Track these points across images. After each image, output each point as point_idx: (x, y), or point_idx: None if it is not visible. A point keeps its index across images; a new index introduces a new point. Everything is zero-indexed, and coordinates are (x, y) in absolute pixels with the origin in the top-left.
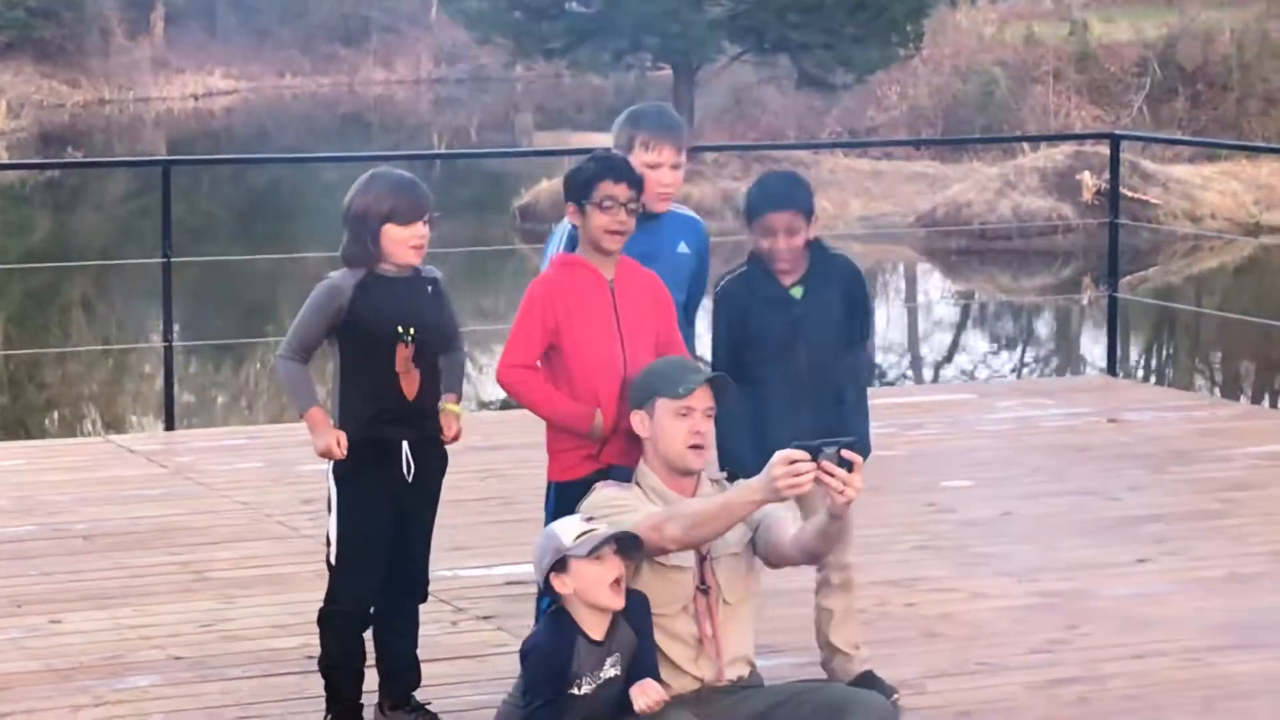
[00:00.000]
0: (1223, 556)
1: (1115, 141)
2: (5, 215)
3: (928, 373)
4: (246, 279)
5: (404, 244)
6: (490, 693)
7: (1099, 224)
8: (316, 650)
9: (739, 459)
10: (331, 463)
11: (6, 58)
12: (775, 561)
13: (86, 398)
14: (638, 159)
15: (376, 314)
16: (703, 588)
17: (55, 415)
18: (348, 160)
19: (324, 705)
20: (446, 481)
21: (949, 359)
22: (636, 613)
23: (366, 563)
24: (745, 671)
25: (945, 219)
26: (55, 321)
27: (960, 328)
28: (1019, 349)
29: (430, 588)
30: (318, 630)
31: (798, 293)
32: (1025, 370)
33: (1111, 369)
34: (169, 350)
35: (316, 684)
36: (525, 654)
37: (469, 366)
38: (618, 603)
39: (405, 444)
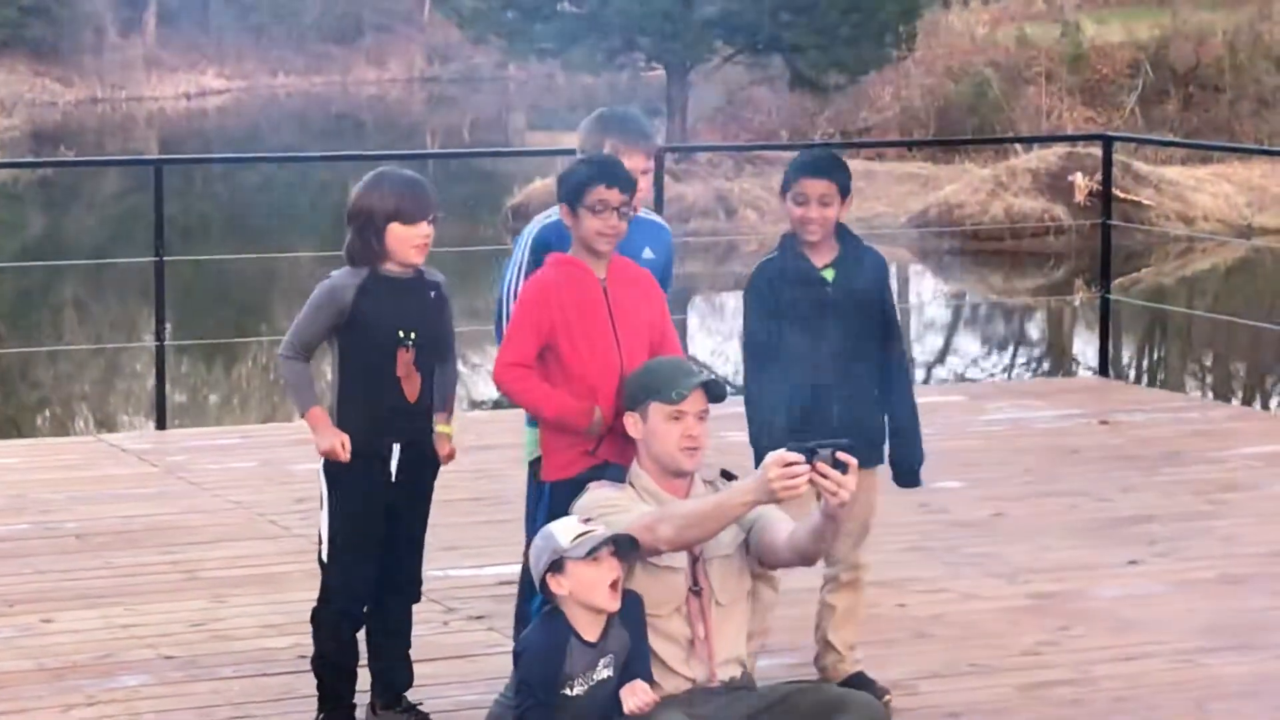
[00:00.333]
0: (1214, 558)
1: (1107, 143)
2: None
3: (920, 374)
4: (238, 278)
5: (408, 243)
6: (482, 693)
7: (1091, 225)
8: (308, 650)
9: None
10: (323, 462)
11: None
12: (769, 563)
13: (78, 397)
14: None
15: (378, 316)
16: (695, 589)
17: (47, 414)
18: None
19: (315, 705)
20: (438, 481)
21: (941, 360)
22: (630, 613)
23: (359, 561)
24: (737, 672)
25: (938, 220)
26: (47, 320)
27: (952, 329)
28: (1011, 350)
29: (422, 588)
30: (311, 629)
31: (829, 275)
32: (1017, 371)
33: (1103, 370)
34: (161, 349)
35: (308, 684)
36: (518, 654)
37: (460, 365)
38: (614, 604)
39: (396, 446)
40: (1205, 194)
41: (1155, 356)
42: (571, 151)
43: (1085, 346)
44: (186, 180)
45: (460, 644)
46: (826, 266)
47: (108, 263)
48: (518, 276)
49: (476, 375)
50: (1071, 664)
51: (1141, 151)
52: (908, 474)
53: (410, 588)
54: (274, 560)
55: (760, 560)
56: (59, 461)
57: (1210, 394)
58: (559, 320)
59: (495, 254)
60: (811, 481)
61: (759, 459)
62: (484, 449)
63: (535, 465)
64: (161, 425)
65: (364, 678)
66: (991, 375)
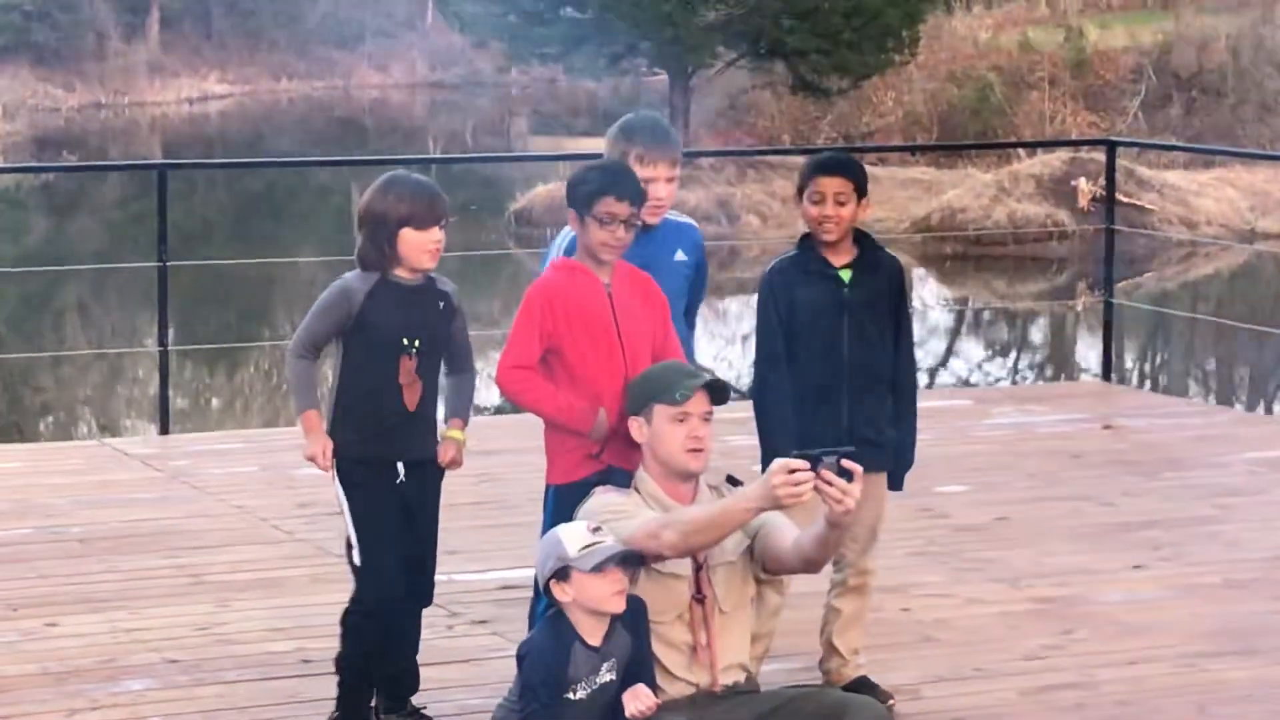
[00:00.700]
0: (1217, 562)
1: (1111, 147)
2: (0, 219)
3: (923, 378)
4: (242, 283)
5: (420, 248)
6: (485, 697)
7: (1094, 230)
8: (312, 654)
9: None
10: (335, 468)
11: (2, 61)
12: (773, 569)
13: (82, 401)
14: None
15: (384, 321)
16: (698, 596)
17: (51, 419)
18: (343, 164)
19: (318, 709)
20: (442, 485)
21: (944, 365)
22: (633, 618)
23: (388, 560)
24: (741, 678)
25: (941, 225)
26: (51, 325)
27: (955, 334)
28: (1014, 355)
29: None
30: (340, 630)
31: (846, 276)
32: (1020, 376)
33: (1107, 375)
34: (164, 354)
35: (312, 688)
36: (521, 658)
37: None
38: (619, 606)
39: (400, 465)
40: (1208, 198)
41: (1158, 361)
42: (574, 156)
43: (1088, 351)
44: (189, 185)
45: (464, 648)
46: (844, 267)
47: (111, 268)
48: None
49: (480, 380)
50: (1075, 668)
51: (1144, 156)
52: (892, 479)
53: (423, 591)
54: (277, 564)
55: (764, 567)
56: (62, 466)
57: (1213, 399)
58: (563, 325)
59: (498, 259)
60: (816, 489)
61: (767, 457)
62: (487, 454)
63: None
64: (165, 430)
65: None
66: (995, 380)
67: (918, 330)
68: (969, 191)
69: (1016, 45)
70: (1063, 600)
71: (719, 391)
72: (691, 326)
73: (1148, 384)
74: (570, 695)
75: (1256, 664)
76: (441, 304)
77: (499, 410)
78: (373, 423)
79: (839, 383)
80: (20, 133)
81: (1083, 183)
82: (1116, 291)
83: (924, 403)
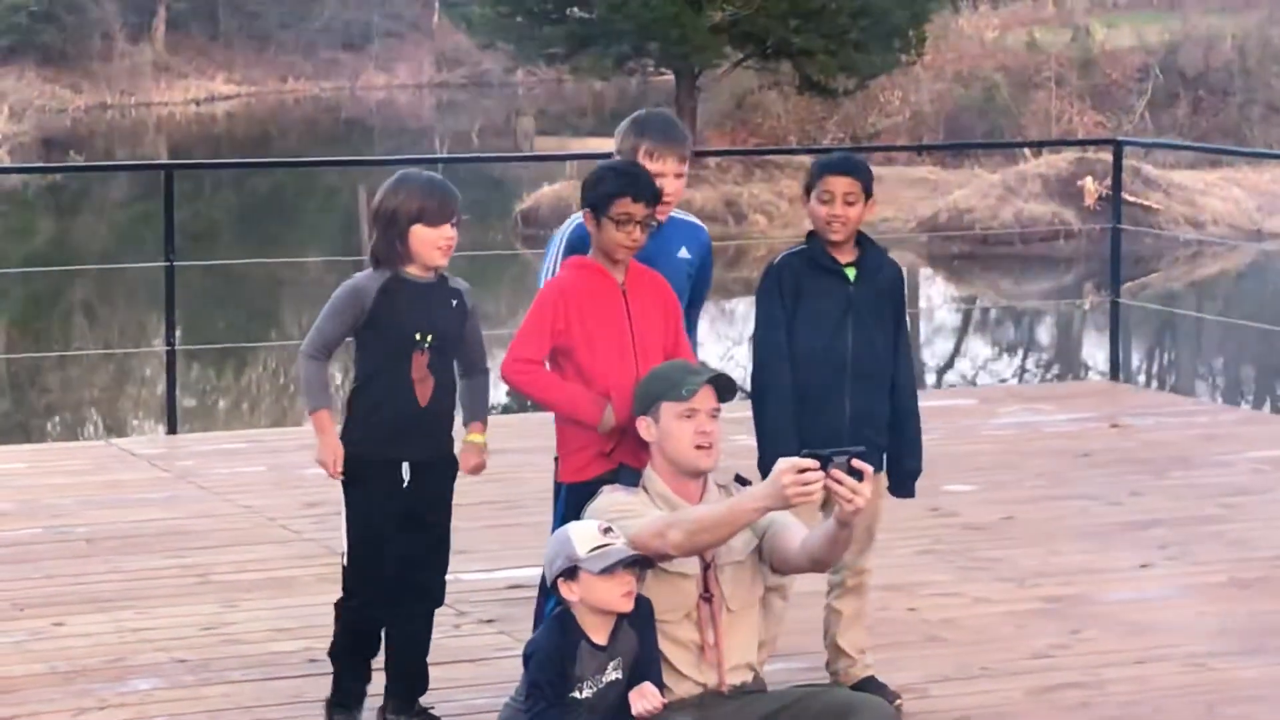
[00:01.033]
0: (1225, 561)
1: (1118, 147)
2: (7, 219)
3: (930, 378)
4: (249, 283)
5: (431, 245)
6: (492, 696)
7: (1101, 229)
8: (319, 654)
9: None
10: (341, 467)
11: (9, 62)
12: (782, 569)
13: (89, 402)
14: None
15: (395, 317)
16: (706, 595)
17: (58, 419)
18: (349, 165)
19: (325, 708)
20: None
21: (951, 364)
22: (640, 617)
23: (376, 568)
24: (748, 677)
25: (947, 224)
26: (58, 325)
27: (962, 333)
28: (1021, 354)
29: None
30: (334, 616)
31: (851, 274)
32: (1027, 375)
33: (1114, 374)
34: (171, 354)
35: (317, 687)
36: (528, 657)
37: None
38: (627, 606)
39: (405, 465)
40: (1215, 198)
41: (1165, 360)
42: (580, 156)
43: (1095, 350)
44: (196, 186)
45: (471, 647)
46: (849, 265)
47: (118, 268)
48: (551, 274)
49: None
50: (1082, 668)
51: (1151, 156)
52: (903, 484)
53: (432, 593)
54: (284, 564)
55: (773, 567)
56: (69, 466)
57: (1220, 398)
58: (576, 324)
59: (505, 259)
60: (826, 489)
61: (768, 453)
62: (494, 453)
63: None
64: (172, 430)
65: (379, 680)
66: (1002, 379)
67: (925, 329)
68: (976, 191)
69: (1023, 45)
70: (1070, 599)
71: (726, 387)
72: (692, 327)
73: (1155, 383)
74: (576, 694)
75: (1263, 663)
76: (454, 302)
77: (506, 409)
78: (384, 421)
79: (841, 381)
80: (27, 133)
81: (1089, 182)
82: (1123, 291)
83: (931, 402)
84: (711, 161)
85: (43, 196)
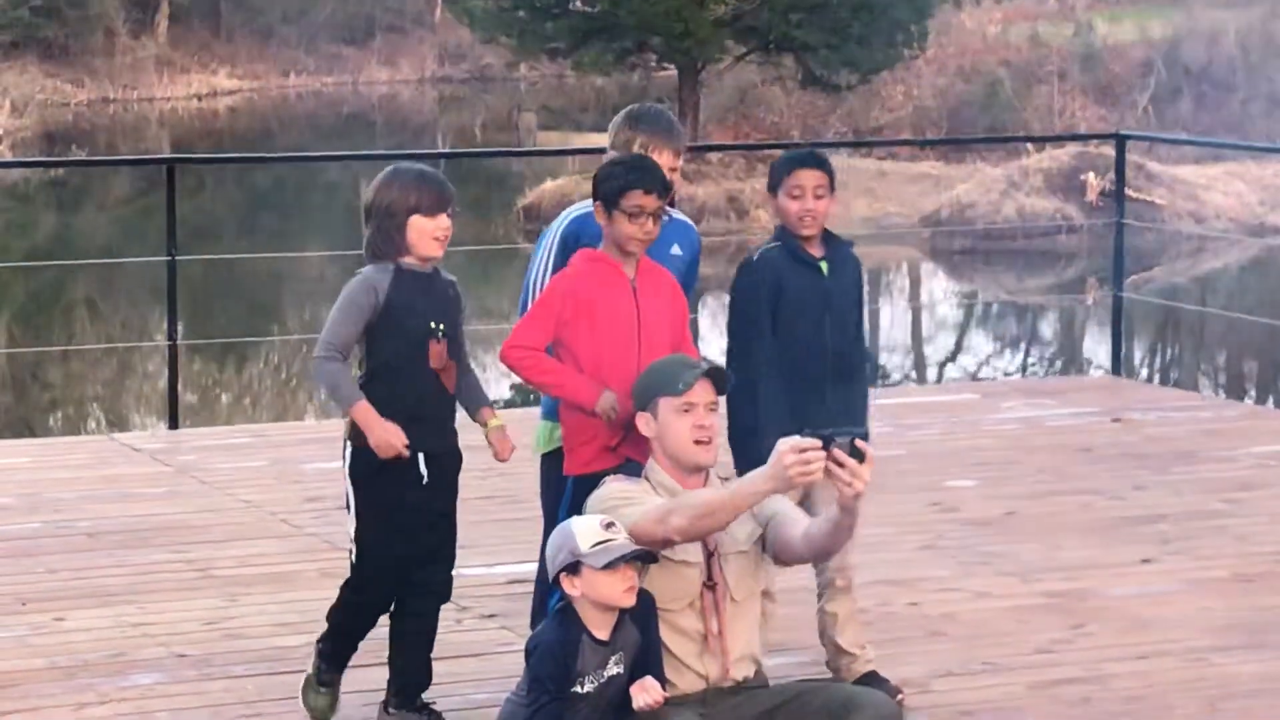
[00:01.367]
0: (1227, 557)
1: (1120, 142)
2: (10, 214)
3: (932, 372)
4: (251, 278)
5: (428, 235)
6: (494, 691)
7: (1104, 224)
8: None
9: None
10: (348, 464)
11: (11, 57)
12: (786, 559)
13: (91, 396)
14: None
15: (410, 309)
16: (710, 584)
17: (60, 414)
18: (352, 159)
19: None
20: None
21: (953, 359)
22: (641, 610)
23: (388, 565)
24: (751, 671)
25: (950, 219)
26: (60, 320)
27: (964, 328)
28: (1023, 349)
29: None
30: (337, 596)
31: (825, 267)
32: (1029, 370)
33: (1116, 369)
34: (173, 349)
35: None
36: (530, 651)
37: (473, 365)
38: (629, 602)
39: (421, 456)
40: (1218, 192)
41: (1168, 355)
42: (582, 151)
43: (1098, 345)
44: (199, 180)
45: (473, 642)
46: (822, 259)
47: (120, 262)
48: (544, 267)
49: (490, 375)
50: (1084, 662)
51: (1154, 150)
52: None
53: (441, 588)
54: (286, 559)
55: (776, 558)
56: (71, 461)
57: (1223, 393)
58: (583, 316)
59: (507, 254)
60: (826, 470)
61: (738, 440)
62: None
63: (548, 458)
64: (174, 424)
65: (378, 677)
66: (1005, 374)
67: (927, 324)
68: (978, 186)
69: (1026, 39)
70: (1072, 594)
71: (722, 379)
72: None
73: (1157, 378)
74: (578, 689)
75: (1267, 658)
76: (451, 292)
77: (509, 404)
78: (405, 412)
79: (823, 372)
80: (30, 128)
81: (1092, 177)
82: (1126, 285)
83: (933, 397)
84: (714, 157)
85: (45, 191)
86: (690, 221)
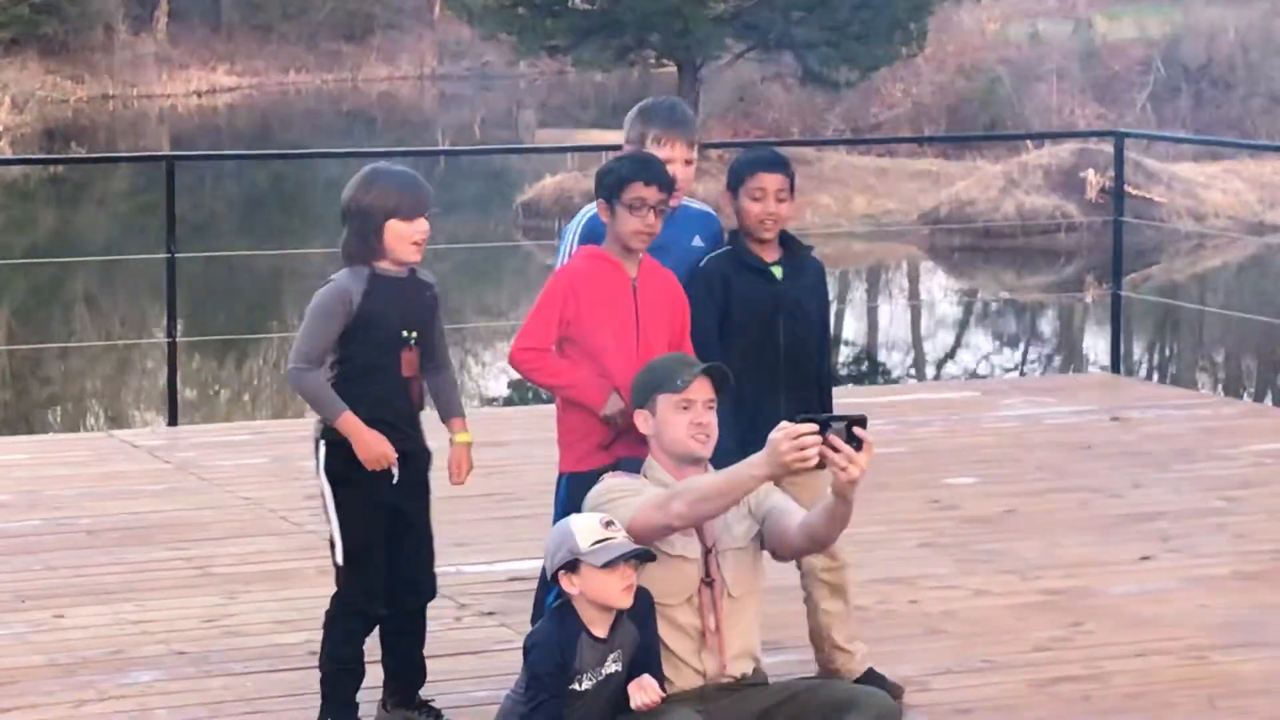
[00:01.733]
0: (1226, 554)
1: (1119, 139)
2: (9, 210)
3: (931, 370)
4: (250, 275)
5: (406, 240)
6: (493, 689)
7: (1103, 222)
8: (319, 646)
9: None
10: (324, 464)
11: (11, 53)
12: (784, 554)
13: (90, 393)
14: None
15: (383, 316)
16: (707, 580)
17: (59, 410)
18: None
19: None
20: (450, 478)
21: (952, 356)
22: (639, 609)
23: (374, 561)
24: (749, 668)
25: (949, 217)
26: (59, 317)
27: (963, 325)
28: (1022, 347)
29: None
30: (322, 631)
31: (778, 272)
32: (1029, 368)
33: (1115, 367)
34: (172, 346)
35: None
36: (528, 649)
37: (471, 362)
38: (626, 602)
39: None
40: (1217, 190)
41: (1167, 353)
42: (582, 148)
43: (1096, 343)
44: (198, 177)
45: (472, 640)
46: (774, 264)
47: (119, 259)
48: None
49: (489, 372)
50: (1083, 660)
51: (1153, 148)
52: None
53: (424, 586)
54: (285, 556)
55: (774, 553)
56: (70, 458)
57: (1222, 390)
58: (585, 313)
59: (506, 251)
60: (821, 455)
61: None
62: (495, 445)
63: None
64: (173, 421)
65: (376, 674)
66: (1004, 371)
67: (926, 322)
68: (977, 183)
69: (1025, 37)
70: (1071, 592)
71: (721, 378)
72: None
73: (1156, 376)
74: (576, 686)
75: (1266, 656)
76: (428, 294)
77: (508, 401)
78: (377, 419)
79: (776, 380)
80: (29, 124)
81: (1091, 175)
82: (1125, 283)
83: (932, 394)
84: (713, 153)
85: (44, 187)
86: (712, 210)
